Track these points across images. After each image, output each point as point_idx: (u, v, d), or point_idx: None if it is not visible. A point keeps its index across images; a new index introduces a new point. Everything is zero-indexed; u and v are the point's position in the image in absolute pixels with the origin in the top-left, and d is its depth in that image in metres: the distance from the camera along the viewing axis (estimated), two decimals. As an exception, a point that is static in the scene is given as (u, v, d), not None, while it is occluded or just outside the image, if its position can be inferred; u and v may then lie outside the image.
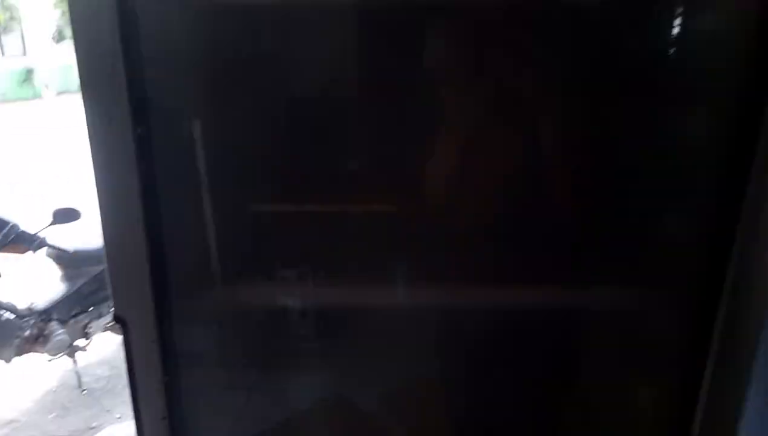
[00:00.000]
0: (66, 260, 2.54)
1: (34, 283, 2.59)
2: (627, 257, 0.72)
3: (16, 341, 2.45)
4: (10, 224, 2.34)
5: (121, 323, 0.68)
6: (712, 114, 0.66)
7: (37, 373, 2.76)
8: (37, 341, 2.51)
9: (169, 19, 0.66)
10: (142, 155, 0.64)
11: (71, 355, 2.61)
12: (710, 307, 0.66)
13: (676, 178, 0.68)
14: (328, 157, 0.74)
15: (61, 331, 2.52)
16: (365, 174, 0.76)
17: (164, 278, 0.70)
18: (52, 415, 2.56)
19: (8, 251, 2.39)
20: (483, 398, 0.82)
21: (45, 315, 2.51)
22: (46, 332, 2.49)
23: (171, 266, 0.70)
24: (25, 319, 2.47)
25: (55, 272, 2.58)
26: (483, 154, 0.74)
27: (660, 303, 0.74)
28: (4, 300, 2.43)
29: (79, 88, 0.62)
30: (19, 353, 2.49)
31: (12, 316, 2.43)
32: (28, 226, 2.43)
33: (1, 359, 2.46)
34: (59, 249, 2.49)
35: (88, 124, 0.63)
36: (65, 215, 2.45)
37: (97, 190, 0.66)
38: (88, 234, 2.52)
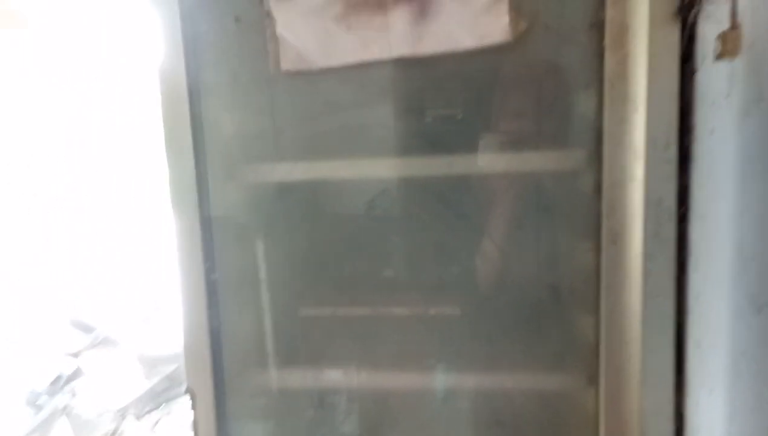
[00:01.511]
0: (144, 360, 2.76)
1: (113, 382, 2.81)
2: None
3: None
4: (96, 330, 2.63)
5: (191, 394, 0.83)
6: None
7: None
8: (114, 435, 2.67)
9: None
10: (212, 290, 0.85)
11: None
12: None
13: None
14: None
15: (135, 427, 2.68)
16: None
17: (221, 364, 0.89)
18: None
19: (93, 351, 2.66)
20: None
21: (122, 411, 2.69)
22: (121, 427, 2.66)
23: (226, 356, 0.88)
24: (103, 416, 2.66)
25: (132, 371, 2.81)
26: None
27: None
28: (87, 398, 2.65)
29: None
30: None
31: (92, 413, 2.63)
32: (111, 330, 2.72)
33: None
34: (139, 351, 2.73)
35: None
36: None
37: (182, 303, 0.85)
38: (163, 338, 2.76)
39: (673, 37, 1.20)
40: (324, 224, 1.18)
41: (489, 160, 0.83)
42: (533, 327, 0.91)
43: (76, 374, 2.60)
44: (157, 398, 2.81)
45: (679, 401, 1.01)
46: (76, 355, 2.61)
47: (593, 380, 0.73)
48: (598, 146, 0.70)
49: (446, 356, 1.03)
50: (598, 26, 0.69)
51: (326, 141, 0.92)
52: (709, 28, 1.08)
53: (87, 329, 2.67)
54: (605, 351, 0.70)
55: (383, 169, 0.89)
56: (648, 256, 1.20)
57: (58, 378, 2.54)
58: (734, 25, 0.96)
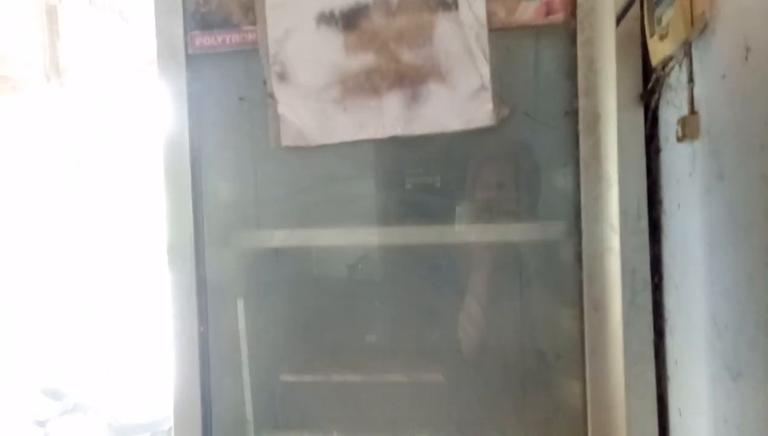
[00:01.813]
0: (116, 428, 2.63)
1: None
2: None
3: None
4: (67, 395, 2.52)
5: None
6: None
7: None
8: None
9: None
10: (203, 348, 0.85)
11: None
12: None
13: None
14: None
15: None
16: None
17: (210, 428, 0.88)
18: None
19: (63, 418, 2.54)
20: None
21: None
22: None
23: (216, 420, 0.88)
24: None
25: (103, 440, 2.67)
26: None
27: None
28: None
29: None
30: None
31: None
32: (82, 396, 2.61)
33: None
34: (111, 419, 2.61)
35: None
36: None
37: (174, 365, 0.86)
38: (137, 405, 2.65)
39: (637, 119, 1.32)
40: (312, 288, 1.20)
41: (474, 230, 0.88)
42: (521, 392, 0.93)
43: (43, 445, 2.46)
44: (127, 471, 2.66)
45: (664, 469, 1.02)
46: (44, 423, 2.48)
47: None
48: (577, 219, 0.76)
49: (432, 422, 1.02)
50: (572, 114, 0.77)
51: (318, 210, 0.97)
52: (670, 113, 1.19)
53: (57, 396, 2.55)
54: (592, 416, 0.73)
55: (372, 236, 0.94)
56: (626, 323, 1.24)
57: (24, 449, 2.40)
58: (692, 111, 1.06)
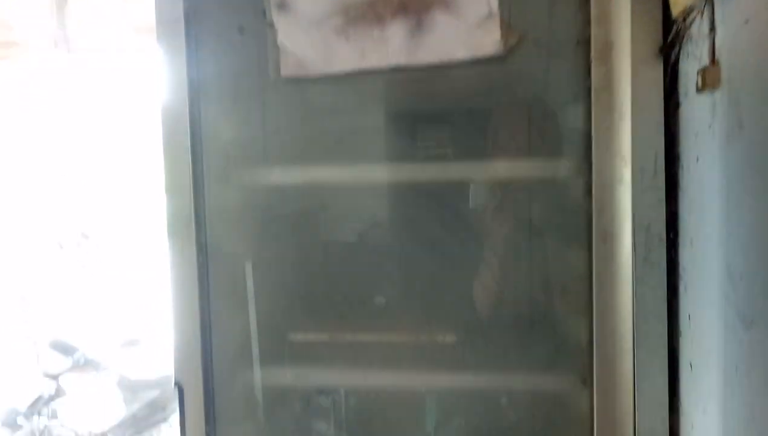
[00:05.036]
0: (126, 385, 2.68)
1: (95, 405, 2.72)
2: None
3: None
4: (78, 350, 2.57)
5: (178, 388, 0.84)
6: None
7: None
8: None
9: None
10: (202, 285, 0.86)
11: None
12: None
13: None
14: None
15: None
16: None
17: (210, 359, 0.89)
18: None
19: (75, 374, 2.59)
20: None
21: (102, 437, 2.59)
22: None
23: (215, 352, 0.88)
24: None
25: (114, 395, 2.72)
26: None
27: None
28: (66, 421, 2.55)
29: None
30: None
31: (71, 439, 2.53)
32: (93, 351, 2.65)
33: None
34: (121, 375, 2.66)
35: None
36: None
37: (172, 295, 0.86)
38: (147, 362, 2.69)
39: (657, 74, 1.27)
40: (318, 247, 1.18)
41: (482, 167, 0.86)
42: (528, 330, 0.91)
43: (56, 395, 2.51)
44: (138, 424, 2.70)
45: (673, 422, 1.00)
46: (55, 377, 2.54)
47: (587, 382, 0.73)
48: (587, 152, 0.74)
49: (441, 357, 1.00)
50: (584, 43, 0.74)
51: (322, 145, 0.95)
52: (691, 65, 1.14)
53: (68, 351, 2.60)
54: (598, 351, 0.71)
55: (378, 172, 0.92)
56: (639, 280, 1.21)
57: (38, 399, 2.45)
58: (713, 61, 1.01)
